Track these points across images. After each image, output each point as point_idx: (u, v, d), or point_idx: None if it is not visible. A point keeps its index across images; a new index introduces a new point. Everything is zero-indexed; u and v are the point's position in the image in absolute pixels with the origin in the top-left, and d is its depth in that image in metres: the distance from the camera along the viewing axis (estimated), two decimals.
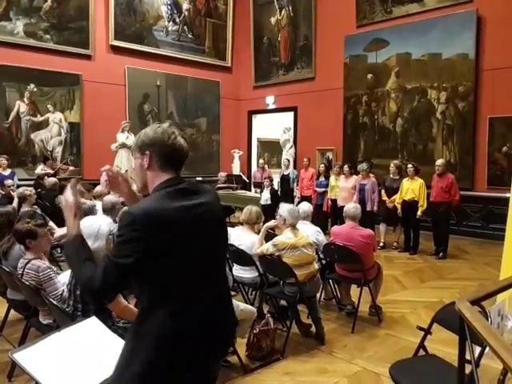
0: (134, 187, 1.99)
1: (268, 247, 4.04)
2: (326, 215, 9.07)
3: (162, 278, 1.60)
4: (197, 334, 1.65)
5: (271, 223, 4.40)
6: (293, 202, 8.01)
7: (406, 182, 7.65)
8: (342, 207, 7.52)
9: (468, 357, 2.03)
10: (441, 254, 7.38)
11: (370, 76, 10.46)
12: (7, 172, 8.56)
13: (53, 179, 8.20)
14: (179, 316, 1.62)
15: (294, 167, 11.05)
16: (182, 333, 1.62)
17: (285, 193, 10.15)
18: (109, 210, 4.95)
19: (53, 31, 10.18)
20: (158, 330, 1.60)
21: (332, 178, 8.95)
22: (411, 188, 7.51)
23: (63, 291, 3.24)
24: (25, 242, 3.46)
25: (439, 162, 7.52)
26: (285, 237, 4.07)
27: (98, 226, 2.87)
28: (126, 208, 1.95)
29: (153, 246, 1.54)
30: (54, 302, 2.99)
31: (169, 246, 1.58)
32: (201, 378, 1.72)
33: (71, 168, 9.67)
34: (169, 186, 1.67)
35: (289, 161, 10.75)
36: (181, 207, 1.63)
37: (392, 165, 8.10)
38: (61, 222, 6.40)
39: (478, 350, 2.28)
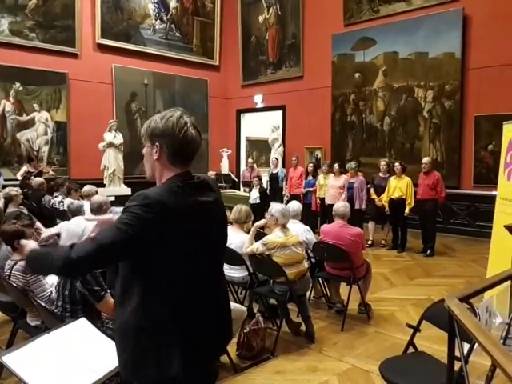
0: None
1: (258, 246, 4.04)
2: (315, 214, 9.10)
3: (165, 267, 1.57)
4: (198, 328, 1.64)
5: (261, 222, 4.41)
6: (282, 201, 8.02)
7: (393, 181, 7.70)
8: (330, 205, 7.57)
9: (457, 353, 2.05)
10: (428, 251, 7.44)
11: (357, 75, 10.51)
12: None
13: (39, 179, 8.10)
14: (180, 310, 1.59)
15: (283, 166, 11.07)
16: (183, 327, 1.59)
17: (274, 192, 10.16)
18: (96, 210, 4.91)
19: (38, 29, 10.06)
20: (159, 325, 1.57)
21: (320, 177, 8.97)
22: (398, 186, 7.57)
23: (51, 292, 3.21)
24: (12, 243, 3.41)
25: (425, 159, 7.59)
26: (275, 236, 4.07)
27: (83, 227, 2.87)
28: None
29: (162, 231, 1.52)
30: (42, 304, 2.96)
31: (178, 236, 1.56)
32: (203, 374, 1.70)
33: (51, 172, 9.54)
34: (178, 180, 1.63)
35: (277, 159, 10.77)
36: (193, 202, 1.62)
37: (383, 163, 8.13)
38: (48, 223, 6.35)
39: (466, 347, 2.31)
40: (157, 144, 1.65)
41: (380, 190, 7.95)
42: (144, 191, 1.57)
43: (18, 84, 9.85)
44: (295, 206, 5.05)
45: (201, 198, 1.65)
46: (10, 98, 9.83)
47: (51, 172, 9.53)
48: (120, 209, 4.23)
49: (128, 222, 1.51)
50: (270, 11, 12.32)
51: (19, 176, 8.87)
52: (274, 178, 10.41)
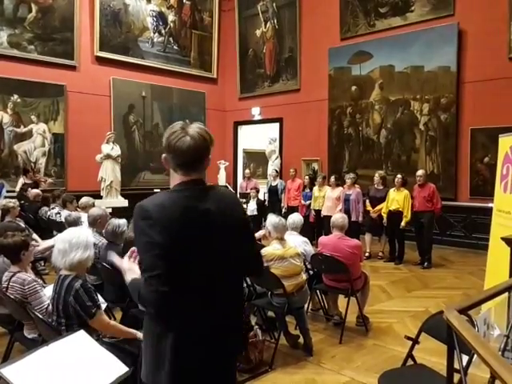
0: None
1: None
2: (312, 226, 9.10)
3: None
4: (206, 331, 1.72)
5: (258, 234, 4.41)
6: (281, 213, 8.03)
7: (392, 192, 7.73)
8: (326, 217, 7.59)
9: (456, 365, 2.05)
10: (426, 263, 7.45)
11: (354, 88, 10.59)
12: None
13: (35, 191, 8.09)
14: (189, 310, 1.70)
15: (280, 178, 11.09)
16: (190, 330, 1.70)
17: (273, 204, 10.14)
18: (94, 223, 4.90)
19: (37, 42, 10.10)
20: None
21: (315, 189, 9.00)
22: (396, 199, 7.60)
23: (48, 305, 3.18)
24: (14, 255, 3.40)
25: (420, 172, 7.63)
26: (272, 248, 4.08)
27: (85, 237, 2.87)
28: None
29: (166, 235, 1.63)
30: (40, 316, 2.94)
31: (174, 242, 1.64)
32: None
33: (49, 180, 9.51)
34: (181, 186, 1.76)
35: (277, 171, 10.76)
36: (187, 209, 1.69)
37: (376, 175, 8.19)
38: (44, 234, 6.33)
39: (465, 359, 2.31)
40: (164, 156, 1.80)
41: (375, 202, 8.00)
42: (141, 202, 1.70)
43: (15, 96, 9.85)
44: (296, 218, 5.03)
45: (198, 204, 1.72)
46: (8, 110, 9.83)
47: (50, 180, 9.47)
48: (119, 221, 4.21)
49: (145, 235, 1.64)
50: (268, 25, 12.45)
51: (18, 189, 8.82)
52: (273, 191, 10.35)
